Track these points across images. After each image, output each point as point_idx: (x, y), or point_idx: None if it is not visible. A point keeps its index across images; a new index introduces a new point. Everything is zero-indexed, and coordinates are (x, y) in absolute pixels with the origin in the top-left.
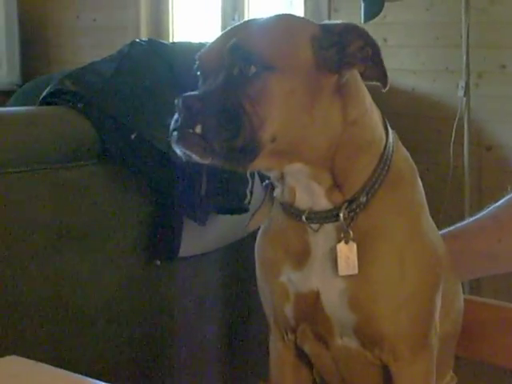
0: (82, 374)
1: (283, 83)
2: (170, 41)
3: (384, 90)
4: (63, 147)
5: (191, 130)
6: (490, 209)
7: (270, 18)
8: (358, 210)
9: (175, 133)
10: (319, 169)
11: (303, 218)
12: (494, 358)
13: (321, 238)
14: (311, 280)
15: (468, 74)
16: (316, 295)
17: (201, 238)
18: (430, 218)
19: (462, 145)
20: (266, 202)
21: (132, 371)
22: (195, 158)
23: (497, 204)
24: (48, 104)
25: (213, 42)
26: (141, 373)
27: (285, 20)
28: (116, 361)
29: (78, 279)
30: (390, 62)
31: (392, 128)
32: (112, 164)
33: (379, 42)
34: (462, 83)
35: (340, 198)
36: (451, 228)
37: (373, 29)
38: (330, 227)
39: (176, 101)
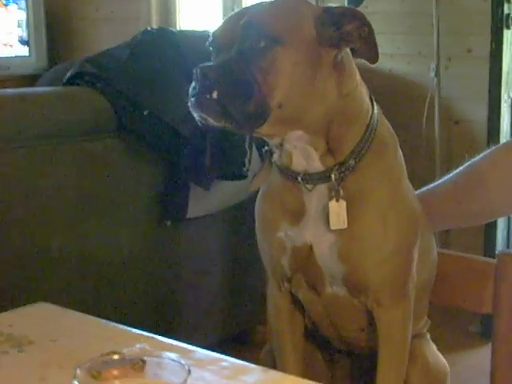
0: (103, 319)
1: (290, 55)
2: (178, 29)
3: (373, 66)
4: (84, 122)
5: (208, 96)
6: (451, 175)
7: (277, 1)
8: (347, 172)
9: (193, 98)
10: (316, 135)
11: (299, 178)
12: (462, 303)
13: (314, 196)
14: (305, 234)
15: (438, 58)
16: (309, 248)
17: (206, 201)
18: (408, 181)
19: (433, 120)
20: (265, 166)
21: (147, 316)
22: (210, 121)
23: (456, 171)
24: (71, 85)
25: (226, 21)
26: (154, 317)
27: (290, 0)
28: (133, 307)
29: (99, 238)
30: None
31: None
32: (127, 137)
33: None
34: (433, 65)
35: (332, 161)
36: (417, 192)
37: None
38: (322, 187)
39: (194, 70)
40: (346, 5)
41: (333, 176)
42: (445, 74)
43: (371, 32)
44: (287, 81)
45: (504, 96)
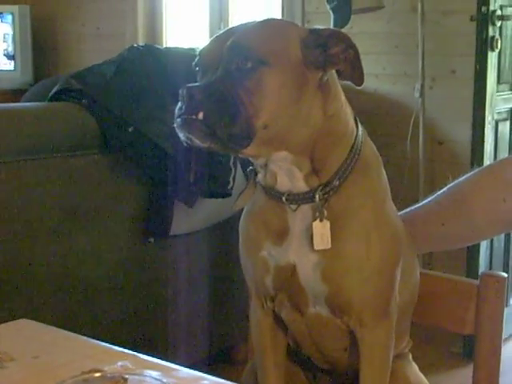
0: (85, 336)
1: (275, 77)
2: (164, 46)
3: (359, 88)
4: (69, 138)
5: (194, 117)
6: (434, 196)
7: (264, 20)
8: (331, 193)
9: (179, 119)
10: (301, 156)
11: (283, 198)
12: (445, 324)
13: (298, 217)
14: (289, 254)
15: (423, 78)
16: (293, 268)
17: (189, 218)
18: (392, 203)
19: (418, 140)
20: (249, 186)
21: (129, 333)
22: (196, 141)
23: (439, 192)
24: (56, 100)
25: (212, 41)
26: (137, 335)
27: (277, 22)
28: (116, 324)
29: (82, 254)
30: None
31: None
32: (112, 153)
33: None
34: (418, 86)
35: (316, 181)
36: (401, 212)
37: None
38: (306, 207)
39: (180, 91)
40: (331, 25)
41: (317, 196)
42: (429, 94)
43: (357, 55)
44: (273, 102)
45: (488, 117)
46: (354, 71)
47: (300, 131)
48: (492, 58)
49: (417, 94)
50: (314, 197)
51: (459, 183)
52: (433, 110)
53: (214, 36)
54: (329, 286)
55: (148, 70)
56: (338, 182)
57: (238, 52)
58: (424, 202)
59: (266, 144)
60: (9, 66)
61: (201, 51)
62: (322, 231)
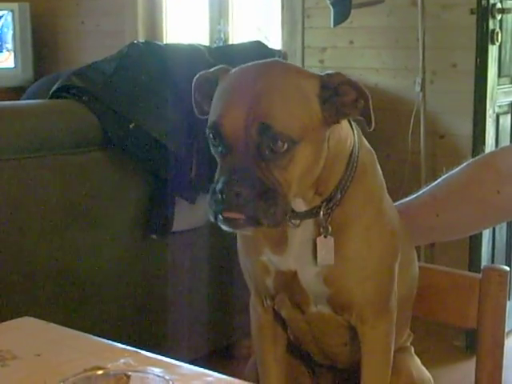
0: (87, 332)
1: (306, 149)
2: (164, 42)
3: (369, 130)
4: (70, 135)
5: (241, 216)
6: (428, 187)
7: (278, 77)
8: (334, 207)
9: (222, 217)
10: (307, 191)
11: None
12: (447, 318)
13: (299, 230)
14: (289, 263)
15: (424, 72)
16: (294, 273)
17: (191, 214)
18: (388, 196)
19: (419, 134)
20: None
21: (132, 330)
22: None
23: (434, 183)
24: (57, 98)
25: (229, 109)
26: (139, 331)
27: (293, 81)
28: (118, 321)
29: (84, 251)
30: (356, 62)
31: (358, 120)
32: (113, 150)
33: (346, 44)
34: (419, 80)
35: (318, 200)
36: (396, 203)
37: (341, 32)
38: (308, 222)
39: (220, 185)
40: (331, 20)
41: (321, 213)
42: (430, 88)
43: (367, 103)
44: (303, 172)
45: (489, 110)
46: (364, 117)
47: (313, 179)
48: (493, 51)
49: (417, 88)
50: (317, 213)
51: (453, 175)
52: (434, 103)
53: (228, 99)
54: (330, 289)
55: (148, 66)
56: (339, 195)
57: (270, 136)
58: (418, 193)
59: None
60: (9, 63)
61: (219, 124)
62: (325, 248)
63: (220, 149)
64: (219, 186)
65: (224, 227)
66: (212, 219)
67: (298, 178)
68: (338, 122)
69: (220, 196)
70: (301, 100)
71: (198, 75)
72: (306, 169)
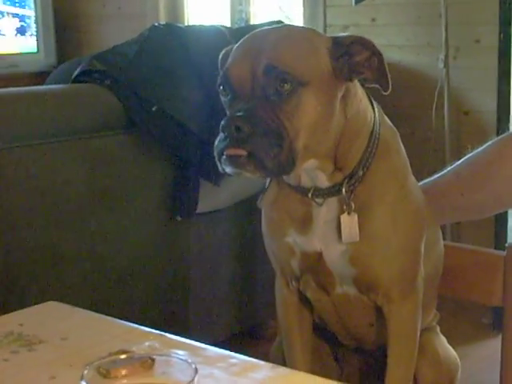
0: (114, 317)
1: (313, 95)
2: (186, 24)
3: (386, 93)
4: (93, 119)
5: (242, 154)
6: (453, 166)
7: (288, 30)
8: (356, 184)
9: (225, 155)
10: (325, 160)
11: (309, 194)
12: (472, 296)
13: (323, 209)
14: (314, 243)
15: (447, 48)
16: (319, 254)
17: (215, 196)
18: (412, 176)
19: (443, 111)
20: (272, 185)
21: (158, 312)
22: (245, 174)
23: (459, 162)
24: (79, 82)
25: (238, 59)
26: (166, 313)
27: (303, 34)
28: (144, 303)
29: (109, 235)
30: (378, 39)
31: (381, 97)
32: (136, 133)
33: (368, 22)
34: (442, 56)
35: (340, 176)
36: (421, 183)
37: (363, 10)
38: (332, 200)
39: (223, 122)
40: None
41: (343, 190)
42: (453, 64)
43: (381, 62)
44: (311, 121)
45: None
46: (379, 78)
47: (327, 140)
48: None
49: (441, 65)
50: (340, 190)
51: (478, 153)
52: (457, 80)
53: (238, 51)
54: (357, 268)
55: (170, 48)
56: (362, 172)
57: (275, 76)
58: (443, 172)
59: (300, 160)
60: (32, 48)
61: (227, 71)
62: (350, 224)
63: (229, 97)
64: (222, 125)
65: (227, 168)
66: (217, 162)
67: (306, 126)
68: (351, 81)
69: (223, 134)
70: (309, 47)
71: (222, 51)
72: (315, 119)
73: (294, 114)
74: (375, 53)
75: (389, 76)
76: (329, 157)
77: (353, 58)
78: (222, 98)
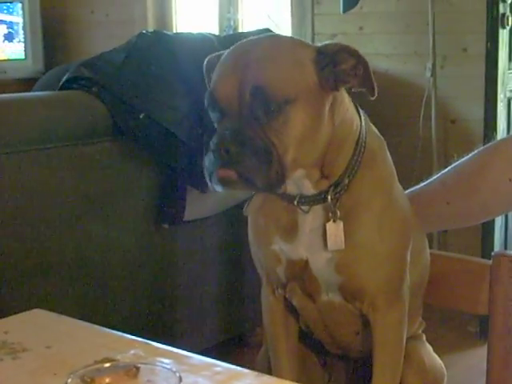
0: (100, 325)
1: (301, 111)
2: (174, 32)
3: (372, 98)
4: (81, 126)
5: (231, 174)
6: (439, 175)
7: (272, 45)
8: (342, 192)
9: (215, 175)
10: (312, 168)
11: (295, 202)
12: (458, 305)
13: (309, 216)
14: (300, 251)
15: (434, 57)
16: (305, 262)
17: (203, 203)
18: (398, 184)
19: (430, 119)
20: (258, 193)
21: (143, 320)
22: (235, 191)
23: (445, 170)
24: (67, 89)
25: (223, 77)
26: (151, 321)
27: (287, 47)
28: (130, 311)
29: (95, 242)
30: (366, 48)
31: (368, 105)
32: (124, 140)
33: (356, 30)
34: (429, 65)
35: (326, 184)
36: (407, 191)
37: (351, 18)
38: (318, 207)
39: (212, 143)
40: (341, 5)
41: (329, 197)
42: (441, 73)
43: (367, 69)
44: (300, 136)
45: (500, 95)
46: (365, 85)
47: (315, 150)
48: (503, 35)
49: (428, 74)
50: (325, 198)
51: (464, 162)
52: (444, 88)
53: (224, 68)
54: (342, 276)
55: (158, 56)
56: (347, 180)
57: (262, 97)
58: (429, 180)
59: (289, 172)
60: (20, 54)
61: (214, 90)
62: (335, 232)
63: (217, 115)
64: (211, 146)
65: (218, 188)
66: (208, 181)
67: (294, 141)
68: (337, 90)
69: (213, 155)
70: (294, 62)
71: (207, 59)
72: (303, 133)
73: (283, 130)
74: (360, 61)
75: (375, 83)
76: (316, 165)
77: (338, 66)
78: (210, 114)
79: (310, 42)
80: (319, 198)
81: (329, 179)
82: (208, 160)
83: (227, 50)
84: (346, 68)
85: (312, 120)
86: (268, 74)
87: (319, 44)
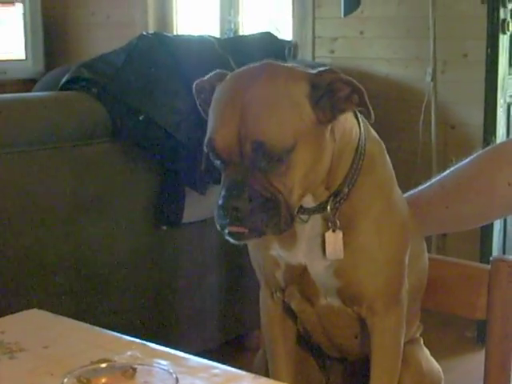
0: (97, 325)
1: (303, 153)
2: (174, 34)
3: (371, 122)
4: (80, 127)
5: (244, 230)
6: (438, 178)
7: (267, 86)
8: (341, 201)
9: (226, 231)
10: (316, 188)
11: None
12: (456, 309)
13: (308, 225)
14: (299, 257)
15: (435, 62)
16: (304, 267)
17: (201, 205)
18: (398, 188)
19: (430, 124)
20: None
21: (142, 321)
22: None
23: (444, 174)
24: (67, 90)
25: (222, 128)
26: (150, 322)
27: (283, 86)
28: (128, 312)
29: (93, 243)
30: (366, 52)
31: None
32: (123, 142)
33: (357, 34)
34: (430, 70)
35: (326, 195)
36: (405, 194)
37: (352, 22)
38: (317, 216)
39: (219, 200)
40: (342, 9)
41: (328, 208)
42: (441, 78)
43: (362, 97)
44: (304, 175)
45: (500, 100)
46: (362, 110)
47: (321, 175)
48: (503, 40)
49: (428, 78)
50: (325, 208)
51: (463, 166)
52: (445, 93)
53: (219, 115)
54: (341, 281)
55: (158, 57)
56: (347, 189)
57: (263, 151)
58: (427, 184)
59: (297, 205)
60: (20, 55)
61: (213, 140)
62: (334, 242)
63: (219, 162)
64: (219, 202)
65: (231, 240)
66: (221, 232)
67: (299, 181)
68: (335, 119)
69: (222, 211)
70: (290, 106)
71: (195, 83)
72: (307, 171)
73: (287, 175)
74: (355, 89)
75: (371, 110)
76: (321, 183)
77: (334, 95)
78: (212, 160)
79: (311, 47)
80: (319, 208)
81: (329, 190)
82: (217, 215)
83: (219, 85)
84: (342, 96)
85: (314, 156)
86: (265, 125)
87: (312, 72)
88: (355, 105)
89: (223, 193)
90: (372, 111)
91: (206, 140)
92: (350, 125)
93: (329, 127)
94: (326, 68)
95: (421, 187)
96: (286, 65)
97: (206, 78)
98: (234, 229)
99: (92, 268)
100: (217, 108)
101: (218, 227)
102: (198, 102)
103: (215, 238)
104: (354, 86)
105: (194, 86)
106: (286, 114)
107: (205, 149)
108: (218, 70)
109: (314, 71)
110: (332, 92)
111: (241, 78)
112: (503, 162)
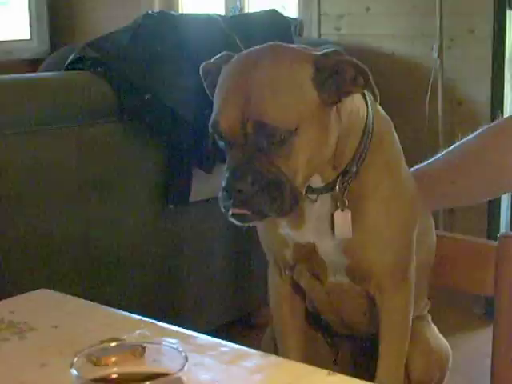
0: (106, 305)
1: (306, 135)
2: (180, 12)
3: (376, 102)
4: (86, 107)
5: (247, 212)
6: (444, 153)
7: (272, 69)
8: (350, 180)
9: (230, 212)
10: (322, 168)
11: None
12: (464, 286)
13: (316, 205)
14: (308, 236)
15: (441, 38)
16: (313, 246)
17: (208, 184)
18: (406, 166)
19: (437, 100)
20: None
21: (150, 300)
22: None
23: (450, 149)
24: (73, 69)
25: (226, 110)
26: (158, 301)
27: (287, 68)
28: (136, 291)
29: (100, 223)
30: (372, 29)
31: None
32: (129, 121)
33: (363, 11)
34: (436, 46)
35: (334, 174)
36: (411, 169)
37: None
38: (325, 196)
39: (223, 182)
40: None
41: (337, 187)
42: (447, 54)
43: (367, 78)
44: (307, 157)
45: (507, 76)
46: (368, 90)
47: (325, 158)
48: (510, 16)
49: (435, 55)
50: (333, 187)
51: (469, 141)
52: (451, 70)
53: (224, 97)
54: (350, 259)
55: (163, 36)
56: (355, 168)
57: (266, 132)
58: (434, 158)
59: (303, 187)
60: (25, 35)
61: (217, 122)
62: (343, 221)
63: (222, 143)
64: (223, 184)
65: (235, 222)
66: (225, 213)
67: (303, 163)
68: (340, 101)
69: (225, 193)
70: (293, 89)
71: (202, 66)
72: (312, 152)
73: (290, 157)
74: (361, 71)
75: (376, 91)
76: (328, 163)
77: (339, 77)
78: (217, 140)
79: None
80: (327, 188)
81: (337, 169)
82: (221, 196)
83: (225, 67)
84: (347, 78)
85: (318, 137)
86: (268, 106)
87: (317, 54)
88: (360, 87)
89: (227, 175)
90: (377, 92)
91: (210, 121)
92: (357, 104)
93: (334, 109)
94: (332, 50)
95: (426, 162)
96: (291, 46)
97: (212, 60)
98: (238, 211)
99: (99, 248)
100: (222, 90)
101: (222, 209)
102: (205, 84)
103: (222, 216)
104: (359, 68)
105: (200, 68)
106: (290, 96)
107: (210, 130)
108: (224, 52)
109: (320, 52)
110: (337, 74)
111: (246, 60)
112: (509, 136)
